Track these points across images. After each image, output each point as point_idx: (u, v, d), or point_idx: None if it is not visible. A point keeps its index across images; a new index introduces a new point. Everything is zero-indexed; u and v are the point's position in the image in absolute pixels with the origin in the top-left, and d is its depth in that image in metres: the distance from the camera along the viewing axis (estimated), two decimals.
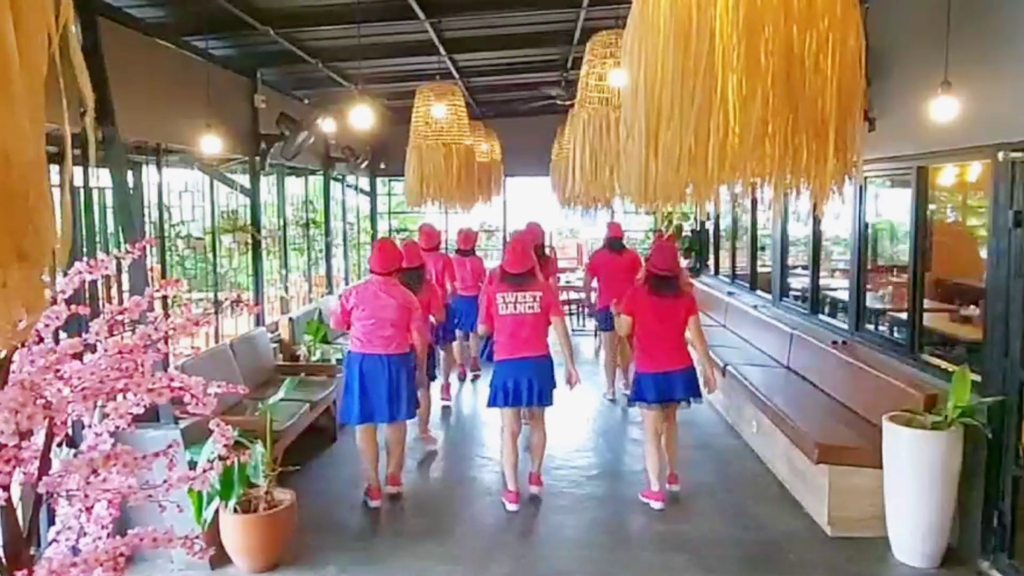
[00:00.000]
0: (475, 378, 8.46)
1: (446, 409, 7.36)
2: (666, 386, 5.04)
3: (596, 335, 10.36)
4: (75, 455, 1.93)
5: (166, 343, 2.02)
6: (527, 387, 4.98)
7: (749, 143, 2.01)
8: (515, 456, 5.16)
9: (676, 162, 2.11)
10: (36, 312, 0.89)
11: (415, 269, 5.89)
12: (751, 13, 1.93)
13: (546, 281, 5.33)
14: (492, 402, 5.12)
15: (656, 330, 5.03)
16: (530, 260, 5.16)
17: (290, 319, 7.59)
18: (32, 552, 1.88)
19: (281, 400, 4.72)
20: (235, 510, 4.14)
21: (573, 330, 11.37)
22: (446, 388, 7.54)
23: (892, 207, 6.29)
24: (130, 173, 5.27)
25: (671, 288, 5.06)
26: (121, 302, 2.36)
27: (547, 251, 8.03)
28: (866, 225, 5.84)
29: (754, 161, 2.09)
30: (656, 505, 5.07)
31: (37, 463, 1.83)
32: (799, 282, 7.37)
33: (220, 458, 2.21)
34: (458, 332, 7.95)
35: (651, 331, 5.04)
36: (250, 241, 7.56)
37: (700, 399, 5.28)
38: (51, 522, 2.03)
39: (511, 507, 5.03)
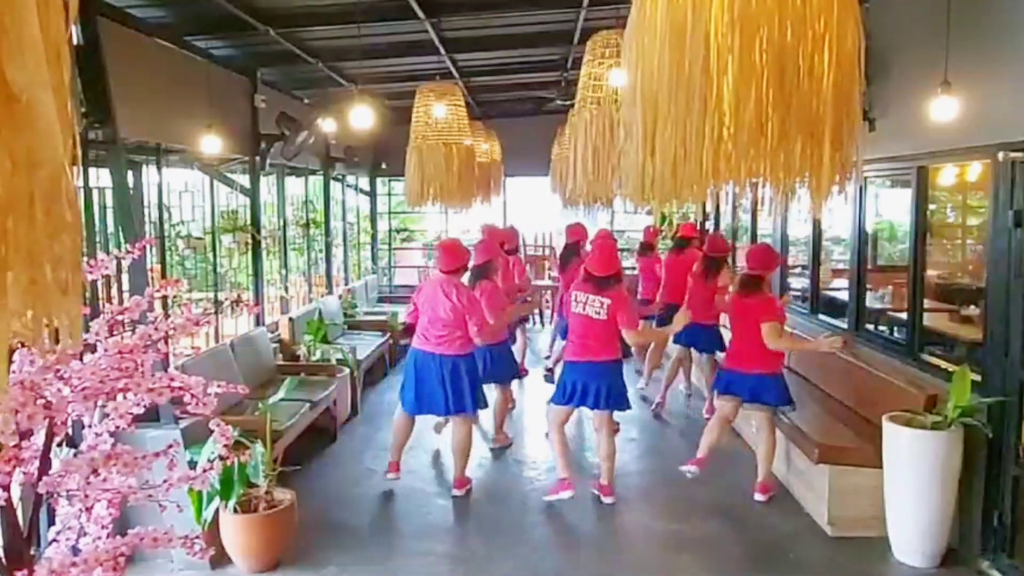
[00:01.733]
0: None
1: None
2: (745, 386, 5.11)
3: None
4: (75, 455, 1.94)
5: (166, 343, 2.03)
6: (583, 390, 4.98)
7: (743, 143, 2.01)
8: (566, 445, 5.22)
9: (672, 162, 2.12)
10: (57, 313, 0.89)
11: (487, 263, 5.85)
12: (746, 13, 1.94)
13: (622, 291, 5.24)
14: (553, 399, 5.19)
15: (737, 329, 5.14)
16: (614, 265, 5.10)
17: (290, 319, 7.59)
18: (32, 552, 1.88)
19: (281, 400, 4.72)
20: (235, 510, 4.14)
21: None
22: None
23: (892, 207, 6.29)
24: (130, 173, 5.27)
25: (755, 287, 5.13)
26: (121, 302, 2.37)
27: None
28: (865, 225, 5.84)
29: (748, 161, 2.09)
30: (759, 497, 5.11)
31: (37, 463, 1.83)
32: (799, 282, 7.37)
33: (220, 458, 2.22)
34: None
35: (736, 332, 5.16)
36: (250, 241, 7.56)
37: (791, 406, 5.17)
38: (51, 522, 2.03)
39: (565, 494, 5.03)
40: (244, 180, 7.65)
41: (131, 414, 1.92)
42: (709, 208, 9.67)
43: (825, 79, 2.01)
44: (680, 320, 5.18)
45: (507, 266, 7.54)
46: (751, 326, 5.01)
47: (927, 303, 5.07)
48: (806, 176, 2.16)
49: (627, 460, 6.08)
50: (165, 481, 2.00)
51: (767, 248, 5.62)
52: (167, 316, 2.04)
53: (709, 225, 10.50)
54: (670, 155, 2.11)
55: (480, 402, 5.37)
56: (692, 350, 7.15)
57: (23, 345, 1.68)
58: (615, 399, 5.04)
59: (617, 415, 5.32)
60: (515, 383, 7.78)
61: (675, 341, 7.05)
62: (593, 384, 4.98)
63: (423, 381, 5.19)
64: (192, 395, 1.94)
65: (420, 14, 5.76)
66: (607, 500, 5.15)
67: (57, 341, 0.93)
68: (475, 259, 5.72)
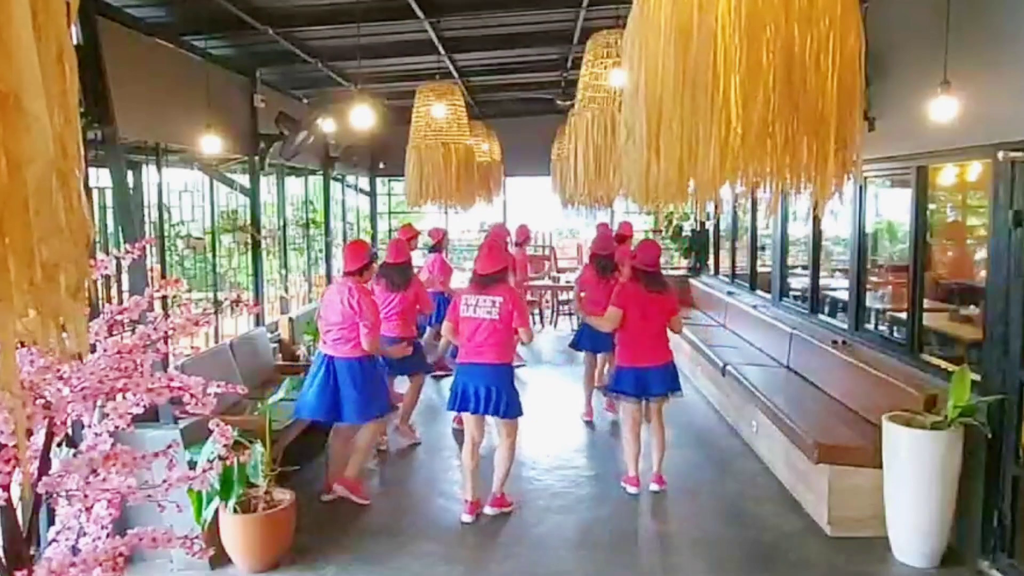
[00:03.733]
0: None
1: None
2: (644, 381, 5.21)
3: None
4: (75, 455, 1.93)
5: (166, 343, 2.02)
6: (473, 394, 4.81)
7: (751, 143, 2.01)
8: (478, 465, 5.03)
9: (678, 162, 2.11)
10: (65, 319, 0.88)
11: (400, 265, 6.01)
12: (753, 13, 1.94)
13: (513, 288, 5.23)
14: (450, 406, 5.02)
15: (640, 325, 5.19)
16: (500, 262, 4.96)
17: (290, 319, 7.58)
18: (32, 552, 1.88)
19: (281, 400, 4.71)
20: (235, 510, 4.14)
21: (572, 330, 11.38)
22: None
23: (892, 207, 6.29)
24: (130, 173, 5.26)
25: (658, 284, 5.28)
26: (121, 302, 2.36)
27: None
28: (865, 225, 5.84)
29: (755, 161, 2.09)
30: (631, 490, 5.25)
31: (37, 463, 1.83)
32: (799, 282, 7.38)
33: (220, 458, 2.21)
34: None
35: (635, 326, 5.20)
36: (250, 241, 7.56)
37: (680, 392, 5.40)
38: (51, 522, 2.03)
39: (466, 518, 4.85)
40: (244, 180, 7.65)
41: (130, 414, 1.92)
42: (710, 208, 9.67)
43: (830, 78, 2.01)
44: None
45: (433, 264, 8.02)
46: (660, 320, 5.21)
47: (927, 303, 5.07)
48: (809, 175, 2.16)
49: (625, 461, 6.08)
50: (165, 481, 2.00)
51: (655, 242, 5.85)
52: (167, 316, 2.03)
53: (709, 226, 10.50)
54: (676, 155, 2.10)
55: (385, 406, 5.22)
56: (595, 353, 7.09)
57: (23, 345, 1.68)
58: (506, 405, 4.81)
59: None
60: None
61: (581, 347, 7.07)
62: (482, 388, 4.78)
63: (315, 387, 5.01)
64: (191, 395, 1.94)
65: (420, 14, 5.75)
66: (491, 511, 4.95)
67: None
68: (393, 258, 5.92)
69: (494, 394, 4.79)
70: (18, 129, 0.79)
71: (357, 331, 4.96)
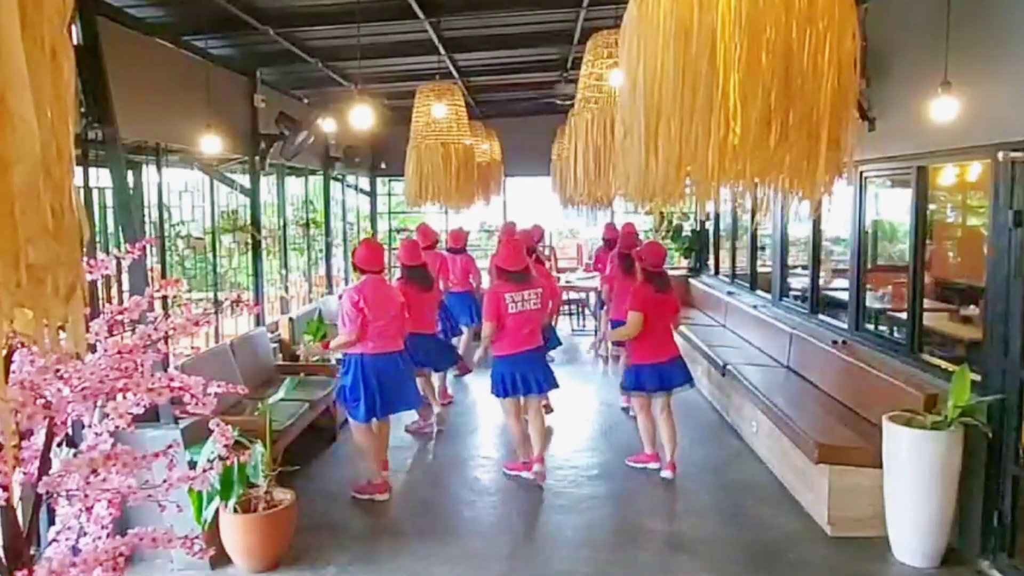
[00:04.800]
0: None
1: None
2: (663, 375, 5.50)
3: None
4: (75, 455, 1.93)
5: (166, 343, 2.03)
6: (534, 378, 5.31)
7: (749, 142, 2.01)
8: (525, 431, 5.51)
9: (676, 160, 2.11)
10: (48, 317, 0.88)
11: (420, 267, 6.22)
12: (753, 13, 1.94)
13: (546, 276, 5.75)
14: (499, 393, 5.42)
15: (653, 324, 5.43)
16: (525, 257, 5.44)
17: (290, 319, 7.59)
18: (32, 552, 1.88)
19: (281, 400, 4.72)
20: (235, 510, 4.14)
21: (572, 330, 11.38)
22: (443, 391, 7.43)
23: (892, 207, 6.29)
24: (130, 173, 5.26)
25: (666, 283, 5.54)
26: (121, 302, 2.36)
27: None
28: (865, 224, 5.84)
29: (753, 160, 2.09)
30: (652, 466, 5.59)
31: (37, 463, 1.83)
32: (799, 282, 7.37)
33: (220, 458, 2.22)
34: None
35: (650, 325, 5.42)
36: (250, 241, 7.56)
37: (693, 384, 5.72)
38: (51, 522, 2.03)
39: (538, 467, 5.37)
40: (244, 180, 7.65)
41: (131, 414, 1.92)
42: (709, 208, 9.67)
43: (826, 80, 2.01)
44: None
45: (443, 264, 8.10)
46: (668, 317, 5.52)
47: (927, 303, 5.07)
48: (804, 175, 2.16)
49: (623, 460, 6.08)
50: (165, 481, 2.00)
51: (659, 243, 6.19)
52: (167, 316, 2.03)
53: (709, 226, 10.49)
54: (674, 154, 2.11)
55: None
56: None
57: (23, 345, 1.68)
58: (554, 378, 5.44)
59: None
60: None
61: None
62: (539, 370, 5.31)
63: (388, 383, 5.17)
64: (192, 395, 1.94)
65: (420, 14, 5.76)
66: (537, 469, 5.40)
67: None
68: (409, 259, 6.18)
69: (548, 372, 5.42)
70: (3, 129, 0.78)
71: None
